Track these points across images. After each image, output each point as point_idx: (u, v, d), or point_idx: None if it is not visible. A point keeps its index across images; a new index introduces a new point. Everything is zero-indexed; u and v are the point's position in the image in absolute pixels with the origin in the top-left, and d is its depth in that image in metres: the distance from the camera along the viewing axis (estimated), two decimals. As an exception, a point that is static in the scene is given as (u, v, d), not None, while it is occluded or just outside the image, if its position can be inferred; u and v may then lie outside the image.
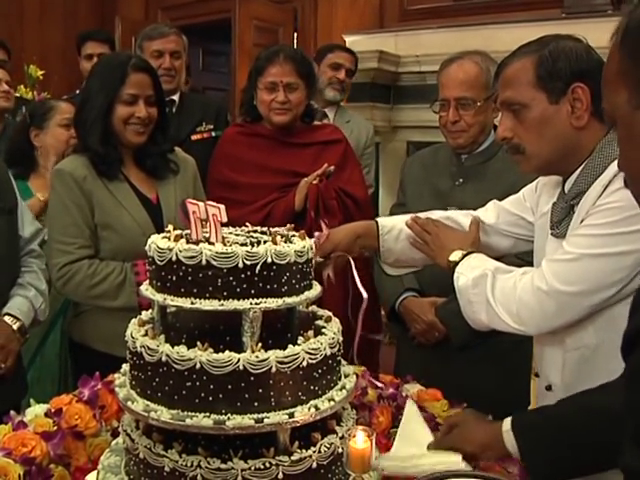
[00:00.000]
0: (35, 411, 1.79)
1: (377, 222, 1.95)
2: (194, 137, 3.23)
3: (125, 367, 1.57)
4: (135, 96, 2.26)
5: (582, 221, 1.56)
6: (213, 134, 3.29)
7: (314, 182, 2.63)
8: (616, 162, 1.48)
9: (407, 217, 1.95)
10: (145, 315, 1.59)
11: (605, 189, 1.51)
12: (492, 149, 2.42)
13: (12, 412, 1.80)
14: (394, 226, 1.93)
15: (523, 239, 1.89)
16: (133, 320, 1.55)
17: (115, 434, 1.79)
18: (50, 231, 2.30)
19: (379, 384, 2.00)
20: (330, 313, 1.62)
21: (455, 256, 1.73)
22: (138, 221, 2.29)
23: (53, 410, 1.77)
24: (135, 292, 2.20)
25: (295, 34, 5.34)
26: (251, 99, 2.76)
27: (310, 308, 1.67)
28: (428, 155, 2.59)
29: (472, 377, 2.28)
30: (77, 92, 3.95)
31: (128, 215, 2.28)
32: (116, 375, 1.56)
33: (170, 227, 1.57)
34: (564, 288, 1.52)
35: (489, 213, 1.94)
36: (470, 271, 1.67)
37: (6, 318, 2.20)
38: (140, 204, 2.32)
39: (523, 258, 2.07)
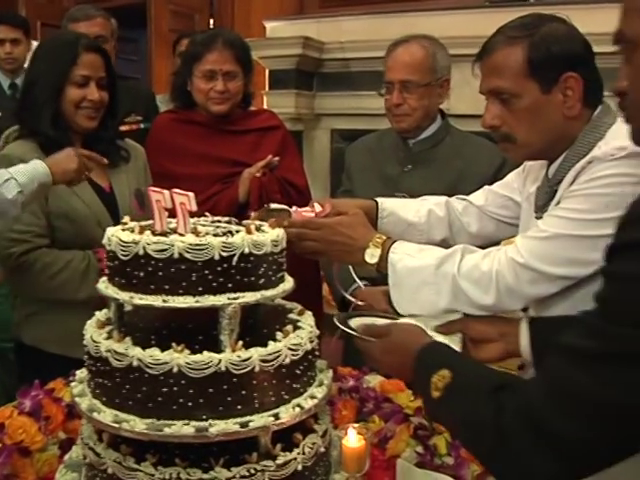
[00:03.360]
0: (-28, 427, 1.61)
1: (377, 202, 1.86)
2: (122, 128, 3.03)
3: (80, 374, 1.43)
4: (87, 77, 2.14)
5: (558, 203, 1.55)
6: (142, 126, 3.13)
7: (257, 174, 2.52)
8: (593, 151, 1.49)
9: (407, 202, 1.91)
10: (101, 315, 1.45)
11: (578, 175, 1.50)
12: (439, 134, 2.39)
13: (-54, 429, 1.63)
14: (393, 211, 1.85)
15: (507, 222, 1.85)
16: (89, 322, 1.42)
17: (63, 447, 1.65)
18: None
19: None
20: (301, 306, 1.54)
21: (372, 256, 1.60)
22: (93, 210, 2.15)
23: (-6, 425, 1.61)
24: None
25: (212, 20, 5.18)
26: (183, 84, 2.62)
27: (275, 301, 1.58)
28: (373, 141, 2.54)
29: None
30: None
31: (82, 204, 2.13)
32: (72, 384, 1.42)
33: (127, 218, 1.45)
34: (538, 264, 1.49)
35: (478, 196, 1.91)
36: (416, 253, 1.58)
37: None
38: (94, 192, 2.18)
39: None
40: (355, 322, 1.57)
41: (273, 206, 1.75)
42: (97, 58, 2.17)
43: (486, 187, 1.93)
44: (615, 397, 0.86)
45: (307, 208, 1.72)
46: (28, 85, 2.20)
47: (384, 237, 1.61)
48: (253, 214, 1.70)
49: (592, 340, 0.89)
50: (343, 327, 1.54)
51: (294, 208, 1.74)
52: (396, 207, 1.87)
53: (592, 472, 0.95)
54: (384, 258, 1.59)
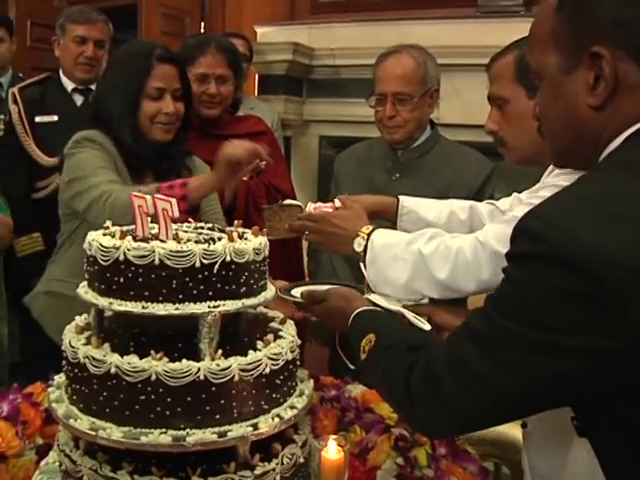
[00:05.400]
0: (-52, 431, 1.59)
1: (398, 200, 1.90)
2: None
3: (59, 379, 1.41)
4: (161, 90, 2.08)
5: None
6: None
7: (244, 178, 2.52)
8: None
9: (431, 202, 1.93)
10: (81, 320, 1.44)
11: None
12: (428, 144, 2.39)
13: None
14: (413, 209, 1.88)
15: None
16: (68, 326, 1.40)
17: (40, 452, 1.63)
18: (83, 173, 1.99)
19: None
20: (282, 315, 1.53)
21: (359, 245, 1.65)
22: None
23: (-31, 429, 1.59)
24: None
25: (202, 23, 5.17)
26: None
27: (258, 309, 1.57)
28: (362, 150, 2.54)
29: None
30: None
31: None
32: (49, 389, 1.40)
33: (108, 223, 1.44)
34: (493, 242, 1.55)
35: (505, 201, 1.93)
36: (393, 235, 1.65)
37: None
38: None
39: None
40: (297, 291, 1.67)
41: (286, 202, 1.78)
42: (171, 69, 2.11)
43: (515, 194, 1.93)
44: (489, 372, 0.97)
45: (329, 204, 1.78)
46: (102, 95, 2.16)
47: (371, 227, 1.66)
48: (266, 208, 1.79)
49: (482, 321, 1.01)
50: (285, 296, 1.64)
51: (318, 204, 1.79)
52: (418, 206, 1.90)
53: (476, 428, 1.09)
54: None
